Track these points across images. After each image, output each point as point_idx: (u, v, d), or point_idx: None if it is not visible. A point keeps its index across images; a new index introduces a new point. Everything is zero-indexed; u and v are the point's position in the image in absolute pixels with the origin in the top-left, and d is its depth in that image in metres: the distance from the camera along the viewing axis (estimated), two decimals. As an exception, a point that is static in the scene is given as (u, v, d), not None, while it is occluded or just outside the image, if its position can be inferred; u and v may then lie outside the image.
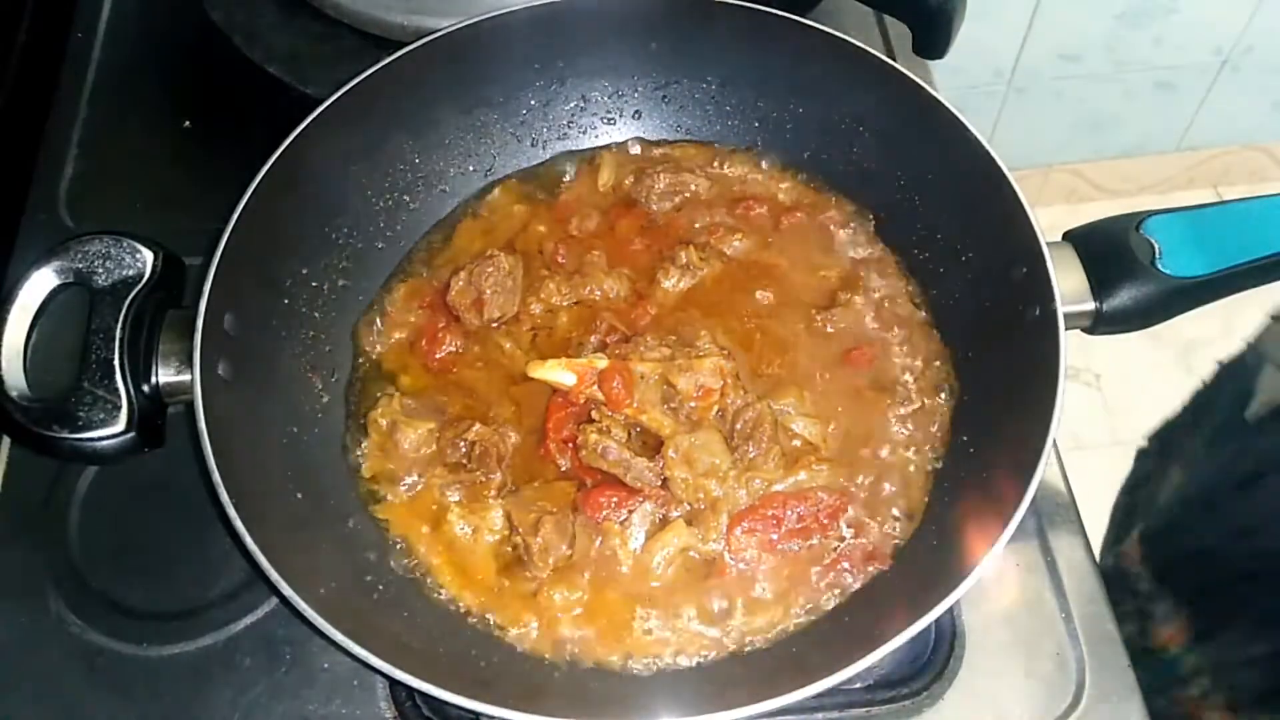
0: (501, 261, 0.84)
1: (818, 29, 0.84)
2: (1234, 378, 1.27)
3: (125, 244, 0.75)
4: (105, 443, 0.70)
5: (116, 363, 0.70)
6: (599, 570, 0.75)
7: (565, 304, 0.85)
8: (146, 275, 0.74)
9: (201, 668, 0.79)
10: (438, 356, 0.84)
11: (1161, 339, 2.14)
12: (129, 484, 0.86)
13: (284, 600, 0.64)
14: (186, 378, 0.71)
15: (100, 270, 0.74)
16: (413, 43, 0.83)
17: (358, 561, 0.75)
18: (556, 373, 0.78)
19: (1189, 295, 0.74)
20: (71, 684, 0.78)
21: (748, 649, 0.73)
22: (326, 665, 0.78)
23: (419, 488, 0.79)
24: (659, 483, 0.76)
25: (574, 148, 0.94)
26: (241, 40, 0.99)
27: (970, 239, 0.81)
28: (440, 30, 0.84)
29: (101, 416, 0.69)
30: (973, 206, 0.79)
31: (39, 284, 0.73)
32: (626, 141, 0.94)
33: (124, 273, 0.74)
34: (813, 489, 0.77)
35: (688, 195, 0.90)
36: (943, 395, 0.81)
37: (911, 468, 0.78)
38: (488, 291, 0.84)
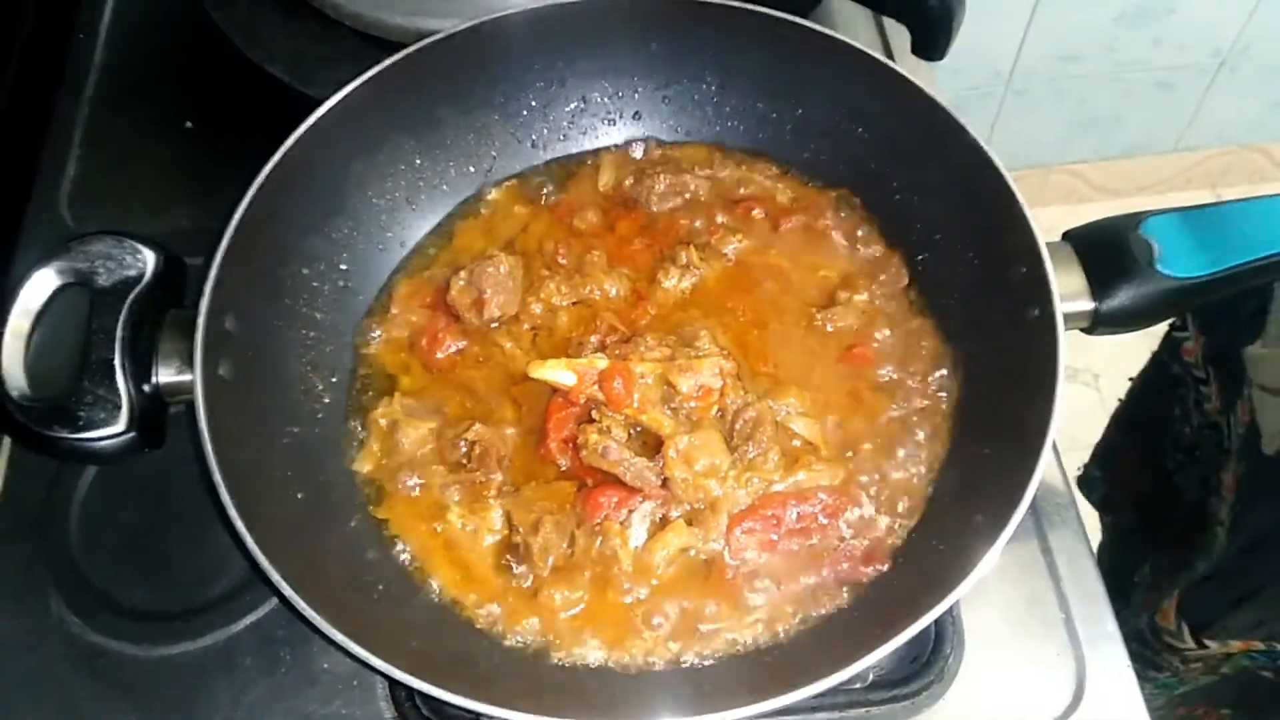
0: (502, 261, 0.84)
1: (817, 30, 0.84)
2: (1165, 395, 1.26)
3: (126, 244, 0.75)
4: (106, 443, 0.70)
5: (117, 363, 0.70)
6: (599, 570, 0.75)
7: (565, 304, 0.85)
8: (148, 275, 0.74)
9: (202, 668, 0.79)
10: (438, 356, 0.84)
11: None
12: (129, 484, 0.86)
13: (284, 600, 0.64)
14: (187, 378, 0.71)
15: (101, 270, 0.74)
16: (413, 44, 0.83)
17: (358, 561, 0.75)
18: (556, 373, 0.78)
19: (1188, 295, 0.74)
20: (72, 684, 0.79)
21: (747, 649, 0.73)
22: (326, 665, 0.79)
23: (419, 488, 0.79)
24: (659, 482, 0.76)
25: (574, 148, 0.94)
26: (242, 41, 0.99)
27: (969, 239, 0.81)
28: (441, 31, 0.84)
29: (102, 416, 0.69)
30: (972, 207, 0.79)
31: (40, 284, 0.73)
32: (627, 142, 0.94)
33: (125, 273, 0.74)
34: (813, 489, 0.77)
35: (688, 196, 0.90)
36: (942, 395, 0.81)
37: (911, 468, 0.78)
38: (488, 291, 0.84)
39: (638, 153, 0.93)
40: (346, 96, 0.81)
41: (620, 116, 0.94)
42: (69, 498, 0.86)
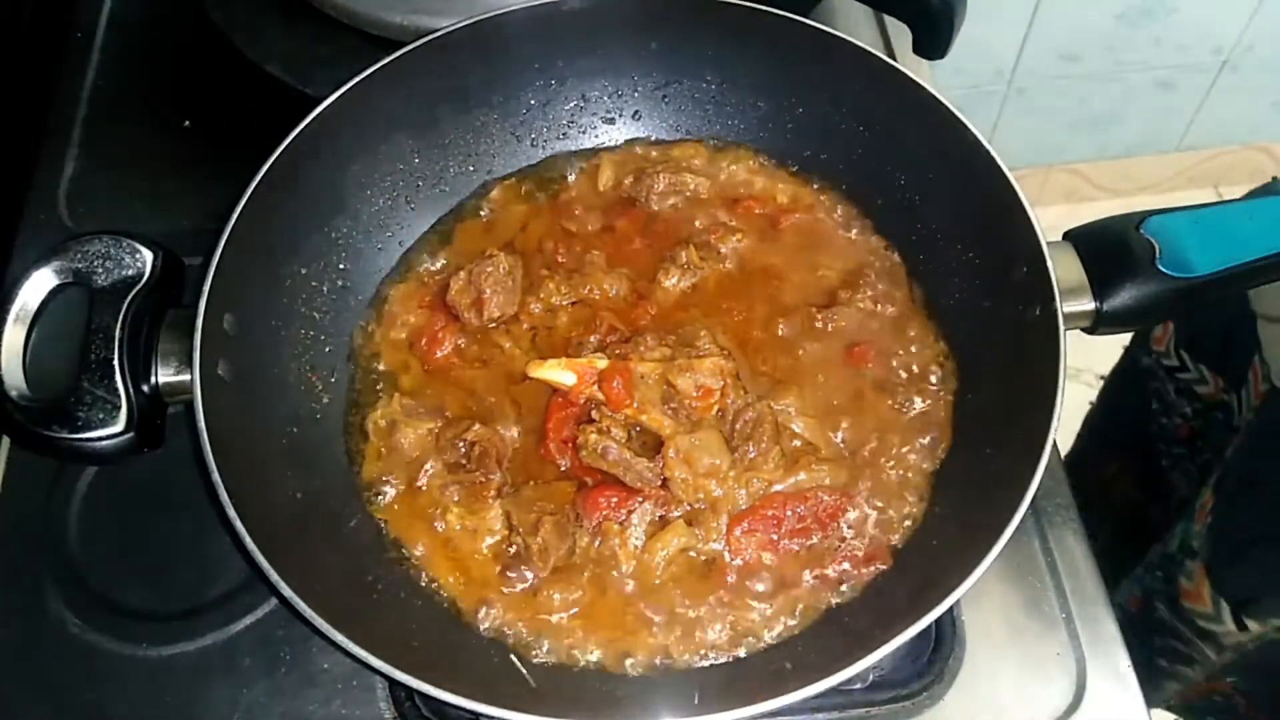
0: (501, 261, 0.84)
1: (818, 28, 0.84)
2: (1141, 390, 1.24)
3: (125, 244, 0.74)
4: (105, 443, 0.70)
5: (116, 363, 0.70)
6: (598, 571, 0.75)
7: (565, 304, 0.85)
8: (146, 275, 0.74)
9: (201, 668, 0.79)
10: (437, 356, 0.84)
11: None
12: (128, 484, 0.86)
13: (283, 600, 0.64)
14: (186, 377, 0.70)
15: (100, 270, 0.74)
16: (412, 42, 0.83)
17: (357, 562, 0.74)
18: (556, 373, 0.78)
19: (1189, 295, 0.74)
20: (71, 684, 0.79)
21: (747, 649, 0.73)
22: (326, 666, 0.78)
23: (418, 488, 0.78)
24: (659, 483, 0.76)
25: (574, 147, 0.94)
26: (241, 40, 0.99)
27: (970, 238, 0.81)
28: (440, 30, 0.84)
29: (101, 416, 0.69)
30: (973, 206, 0.79)
31: (39, 284, 0.73)
32: (626, 141, 0.94)
33: (123, 272, 0.74)
34: (813, 489, 0.76)
35: (687, 195, 0.90)
36: (943, 395, 0.81)
37: (911, 468, 0.78)
38: (487, 291, 0.83)
39: (638, 151, 0.93)
40: (345, 95, 0.80)
41: (620, 115, 0.94)
42: (68, 498, 0.85)
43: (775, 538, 0.75)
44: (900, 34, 0.98)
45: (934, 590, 0.64)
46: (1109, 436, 1.37)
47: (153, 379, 0.72)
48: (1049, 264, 0.72)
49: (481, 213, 0.91)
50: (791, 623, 0.73)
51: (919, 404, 0.80)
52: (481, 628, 0.74)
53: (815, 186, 0.90)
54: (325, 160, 0.82)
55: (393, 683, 0.76)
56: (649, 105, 0.93)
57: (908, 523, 0.76)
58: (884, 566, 0.74)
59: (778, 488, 0.77)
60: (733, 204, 0.90)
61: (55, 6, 1.14)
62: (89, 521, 0.85)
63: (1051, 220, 0.71)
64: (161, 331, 0.73)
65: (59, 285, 0.74)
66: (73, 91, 1.08)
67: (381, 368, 0.84)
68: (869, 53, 0.83)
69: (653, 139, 0.94)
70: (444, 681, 0.63)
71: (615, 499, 0.75)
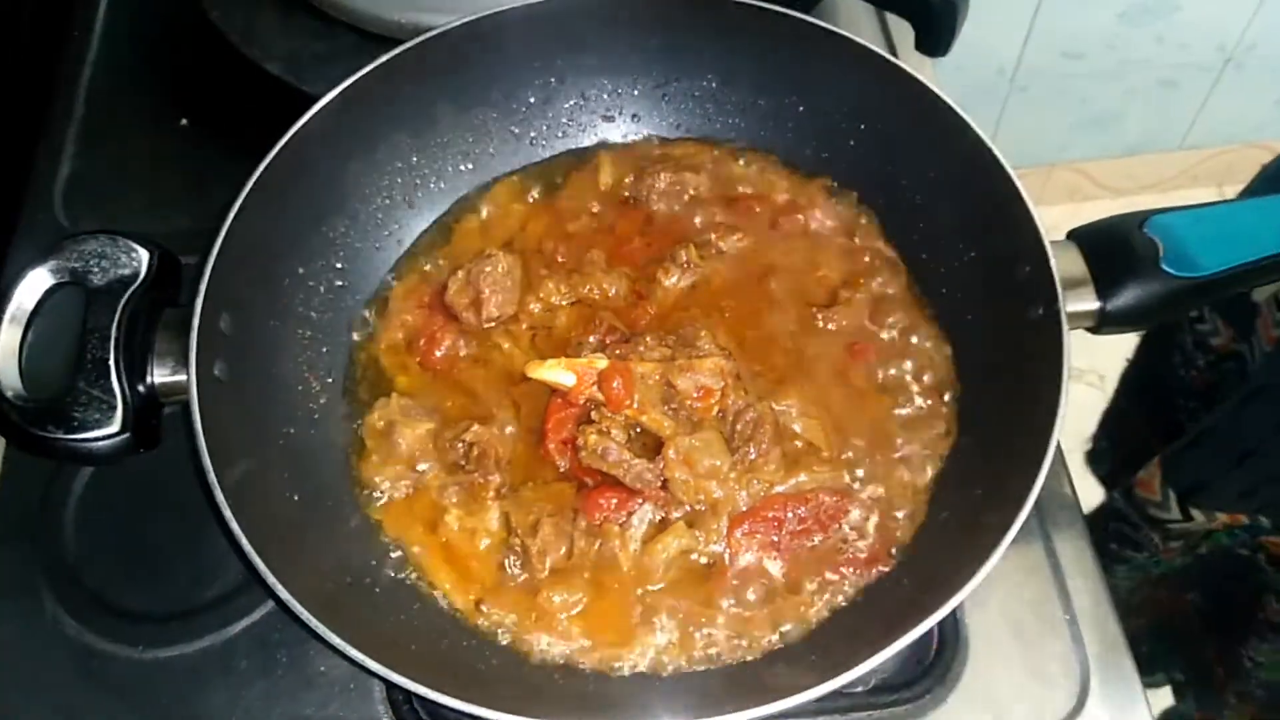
0: (500, 260, 0.84)
1: (819, 26, 0.84)
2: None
3: (121, 243, 0.74)
4: (101, 443, 0.69)
5: (112, 362, 0.70)
6: (598, 572, 0.74)
7: (564, 303, 0.85)
8: (142, 274, 0.73)
9: (198, 670, 0.78)
10: (436, 356, 0.83)
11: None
12: (125, 485, 0.85)
13: (280, 603, 0.64)
14: (182, 378, 0.70)
15: (96, 269, 0.73)
16: (410, 40, 0.83)
17: (354, 564, 0.74)
18: (556, 373, 0.78)
19: (1193, 294, 0.73)
20: (67, 686, 0.78)
21: (748, 652, 0.72)
22: (323, 668, 0.78)
23: (416, 489, 0.78)
24: (659, 484, 0.75)
25: (573, 146, 0.93)
26: (239, 38, 0.99)
27: (973, 237, 0.81)
28: (438, 28, 0.83)
29: (97, 417, 0.69)
30: (975, 205, 0.79)
31: (34, 283, 0.73)
32: (626, 140, 0.93)
33: (120, 272, 0.73)
34: (814, 490, 0.76)
35: (687, 194, 0.89)
36: (945, 395, 0.80)
37: (913, 469, 0.77)
38: (486, 291, 0.83)
39: (637, 150, 0.93)
40: (343, 93, 0.80)
41: (620, 113, 0.93)
42: (64, 499, 0.85)
43: (776, 539, 0.75)
44: (902, 32, 0.97)
45: (936, 592, 0.64)
46: (1135, 396, 1.38)
47: (149, 379, 0.71)
48: (1052, 263, 0.71)
49: (480, 212, 0.90)
50: (792, 625, 0.73)
51: (921, 404, 0.80)
52: (480, 630, 0.73)
53: (816, 185, 0.90)
54: (323, 159, 0.82)
55: (390, 685, 0.75)
56: (649, 104, 0.93)
57: (910, 524, 0.76)
58: (886, 568, 0.74)
59: (778, 489, 0.76)
60: (733, 203, 0.90)
61: (53, 6, 1.13)
62: (85, 523, 0.84)
63: (1054, 219, 0.71)
64: (158, 331, 0.73)
65: (55, 285, 0.73)
66: (70, 90, 1.08)
67: (380, 368, 0.84)
68: (871, 50, 0.82)
69: (653, 138, 0.93)
70: (442, 684, 0.62)
71: (615, 500, 0.75)
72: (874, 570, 0.74)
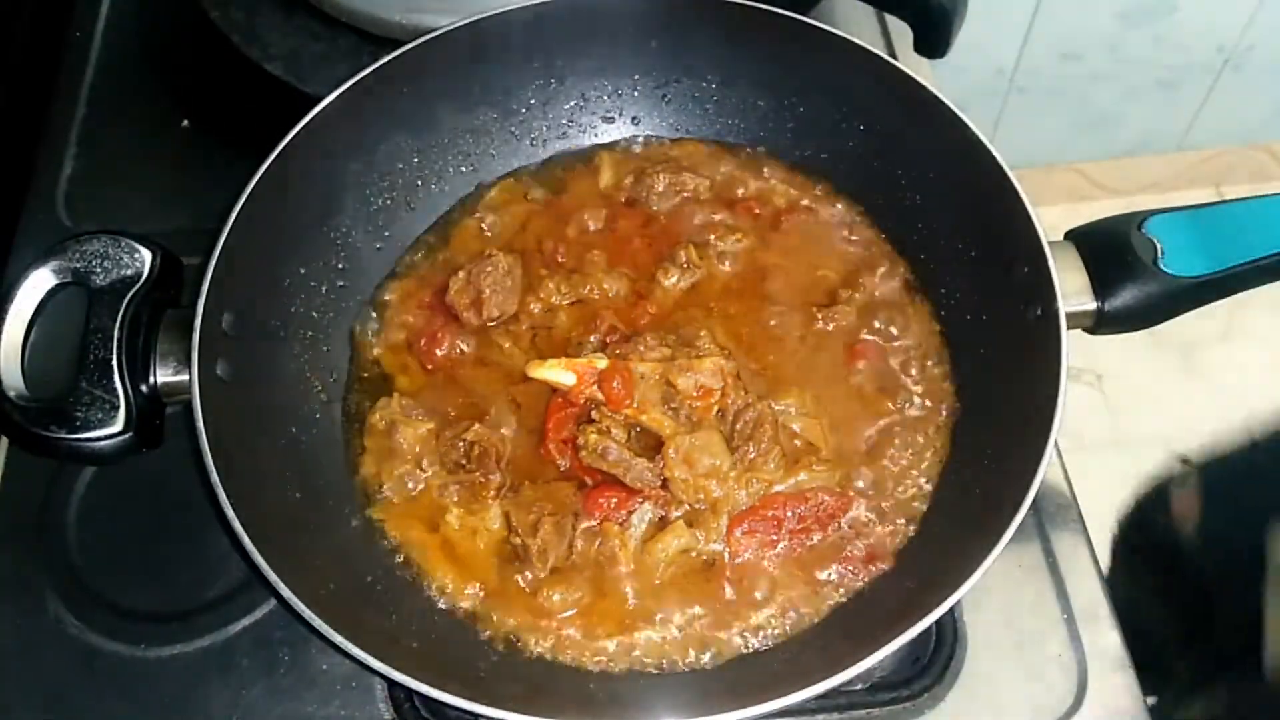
0: (500, 261, 0.84)
1: (819, 27, 0.84)
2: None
3: (123, 243, 0.74)
4: (103, 443, 0.70)
5: (114, 363, 0.70)
6: (598, 571, 0.74)
7: (565, 303, 0.85)
8: (145, 275, 0.74)
9: (199, 669, 0.79)
10: (436, 356, 0.84)
11: (1163, 340, 2.13)
12: (127, 484, 0.85)
13: (282, 601, 0.64)
14: (184, 378, 0.70)
15: (98, 270, 0.73)
16: (411, 41, 0.83)
17: (356, 562, 0.74)
18: (556, 373, 0.78)
19: (1191, 295, 0.73)
20: (69, 685, 0.78)
21: (748, 650, 0.72)
22: (325, 666, 0.78)
23: (418, 488, 0.78)
24: (659, 483, 0.75)
25: (573, 147, 0.93)
26: (240, 39, 0.99)
27: (971, 238, 0.81)
28: (439, 29, 0.83)
29: (99, 417, 0.69)
30: (974, 205, 0.79)
31: (37, 284, 0.73)
32: (626, 140, 0.93)
33: (122, 272, 0.73)
34: (813, 489, 0.76)
35: (687, 194, 0.90)
36: (944, 395, 0.80)
37: (912, 468, 0.78)
38: (486, 291, 0.83)
39: (637, 151, 0.93)
40: (343, 94, 0.80)
41: (620, 114, 0.93)
42: (67, 498, 0.85)
43: (775, 538, 0.75)
44: (901, 33, 0.97)
45: (935, 591, 0.64)
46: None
47: (151, 379, 0.72)
48: (1050, 263, 0.71)
49: (481, 213, 0.90)
50: (792, 623, 0.73)
51: (919, 403, 0.80)
52: (481, 628, 0.73)
53: (815, 186, 0.90)
54: (324, 160, 0.82)
55: (391, 683, 0.76)
56: (649, 105, 0.93)
57: (908, 523, 0.76)
58: (885, 567, 0.74)
59: (778, 488, 0.76)
60: (732, 204, 0.90)
61: (54, 6, 1.13)
62: (87, 522, 0.84)
63: (1053, 220, 0.71)
64: (160, 331, 0.73)
65: (57, 285, 0.74)
66: (71, 91, 1.08)
67: (381, 368, 0.84)
68: (870, 52, 0.82)
69: (653, 139, 0.93)
70: (443, 682, 0.62)
71: (615, 499, 0.75)
72: (873, 568, 0.74)
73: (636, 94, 0.93)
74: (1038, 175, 2.23)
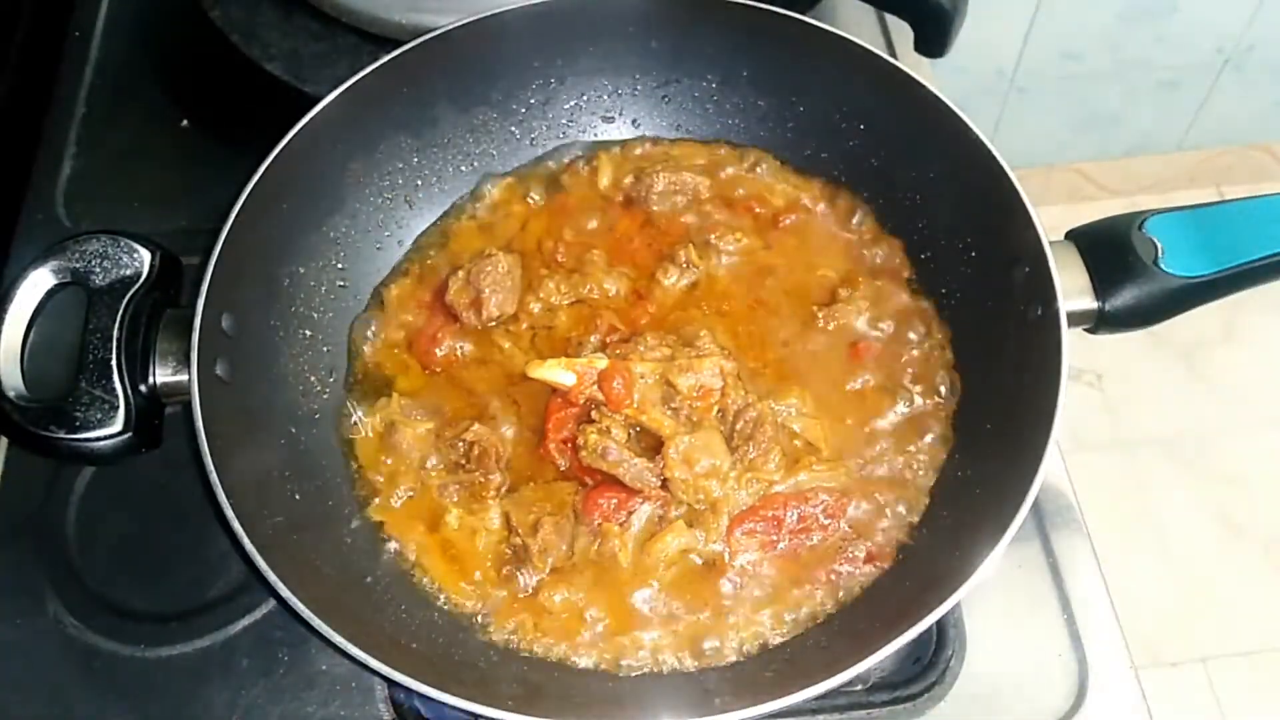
0: (500, 260, 0.84)
1: (819, 27, 0.84)
2: None
3: (123, 243, 0.74)
4: (102, 443, 0.70)
5: (114, 363, 0.70)
6: (598, 571, 0.74)
7: (564, 303, 0.85)
8: (144, 275, 0.74)
9: (199, 669, 0.79)
10: (436, 356, 0.84)
11: (1163, 340, 2.14)
12: (127, 485, 0.86)
13: (282, 602, 0.64)
14: (184, 378, 0.70)
15: (98, 270, 0.73)
16: (411, 41, 0.83)
17: (356, 563, 0.74)
18: (556, 372, 0.78)
19: (1191, 295, 0.73)
20: (69, 685, 0.78)
21: (747, 650, 0.72)
22: (325, 667, 0.78)
23: (417, 488, 0.78)
24: (659, 483, 0.75)
25: (573, 146, 0.93)
26: (239, 39, 0.99)
27: (972, 238, 0.81)
28: (439, 28, 0.83)
29: (99, 417, 0.69)
30: (974, 205, 0.79)
31: (36, 284, 0.73)
32: (626, 140, 0.93)
33: (121, 272, 0.73)
34: (814, 489, 0.76)
35: (687, 194, 0.90)
36: (944, 395, 0.80)
37: (913, 468, 0.78)
38: (486, 291, 0.83)
39: (637, 151, 0.93)
40: (343, 94, 0.80)
41: (620, 114, 0.93)
42: (66, 498, 0.85)
43: (776, 538, 0.75)
44: (901, 32, 0.97)
45: (935, 591, 0.64)
46: None
47: (150, 379, 0.72)
48: (1051, 263, 0.71)
49: (480, 212, 0.90)
50: (792, 623, 0.73)
51: (919, 403, 0.80)
52: (480, 628, 0.73)
53: (816, 185, 0.90)
54: (324, 159, 0.82)
55: (391, 684, 0.76)
56: (649, 104, 0.93)
57: (909, 523, 0.76)
58: (885, 567, 0.74)
59: (778, 488, 0.76)
60: (732, 203, 0.90)
61: (53, 6, 1.13)
62: (87, 522, 0.84)
63: (1053, 220, 0.71)
64: (159, 331, 0.73)
65: (57, 285, 0.74)
66: (71, 90, 1.08)
67: (380, 368, 0.84)
68: (870, 51, 0.82)
69: (653, 138, 0.93)
70: (443, 682, 0.62)
71: (615, 500, 0.75)
72: (873, 568, 0.74)
73: (636, 94, 0.93)
74: (1038, 175, 2.23)
